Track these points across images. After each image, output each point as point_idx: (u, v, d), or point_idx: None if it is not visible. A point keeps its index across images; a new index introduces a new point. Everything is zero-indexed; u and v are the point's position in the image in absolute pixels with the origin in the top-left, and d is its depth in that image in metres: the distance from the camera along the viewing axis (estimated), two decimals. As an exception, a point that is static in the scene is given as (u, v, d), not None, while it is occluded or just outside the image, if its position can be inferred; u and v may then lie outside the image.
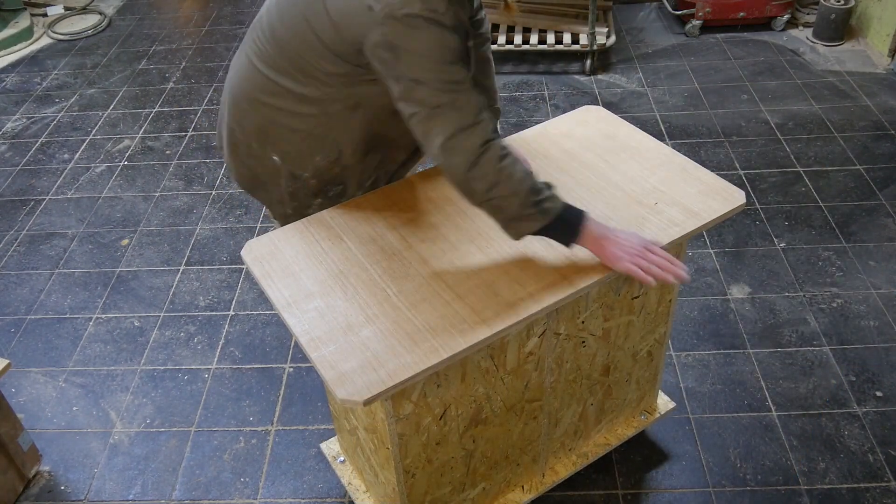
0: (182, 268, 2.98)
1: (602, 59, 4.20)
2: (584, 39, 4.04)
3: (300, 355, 2.58)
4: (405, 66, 1.37)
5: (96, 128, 3.89)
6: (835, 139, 3.47)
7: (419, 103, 1.38)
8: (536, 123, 3.71)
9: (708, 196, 1.69)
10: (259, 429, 2.36)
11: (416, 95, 1.38)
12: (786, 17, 4.35)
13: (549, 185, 1.46)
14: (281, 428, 2.36)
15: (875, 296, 2.67)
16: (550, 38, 4.13)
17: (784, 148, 3.43)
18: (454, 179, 1.44)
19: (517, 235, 1.47)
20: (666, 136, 3.53)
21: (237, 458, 2.28)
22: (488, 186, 1.40)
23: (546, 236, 1.48)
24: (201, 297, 2.84)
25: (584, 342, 1.74)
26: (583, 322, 1.68)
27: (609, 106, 3.80)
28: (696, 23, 4.36)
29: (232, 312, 2.77)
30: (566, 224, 1.46)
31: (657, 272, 1.44)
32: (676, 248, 1.67)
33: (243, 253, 1.62)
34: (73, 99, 4.16)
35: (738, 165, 3.31)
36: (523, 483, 1.97)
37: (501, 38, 4.15)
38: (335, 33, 1.45)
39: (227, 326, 2.71)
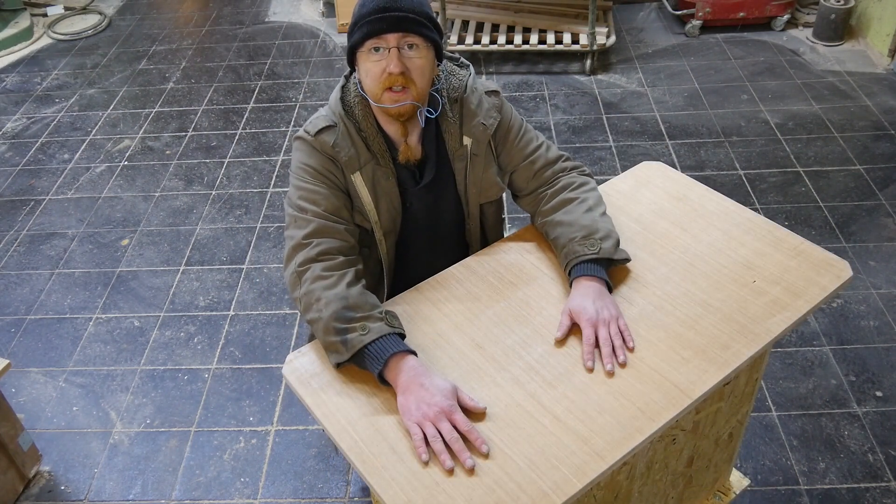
0: (182, 268, 2.98)
1: (602, 59, 4.20)
2: (584, 39, 4.04)
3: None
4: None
5: (96, 128, 3.89)
6: (835, 139, 3.47)
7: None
8: (537, 123, 3.74)
9: (809, 269, 1.49)
10: (259, 429, 2.36)
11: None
12: (786, 17, 4.35)
13: (371, 316, 1.34)
14: (281, 428, 2.36)
15: (875, 296, 2.67)
16: (550, 38, 4.13)
17: (784, 148, 3.43)
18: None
19: (334, 365, 1.36)
20: (666, 136, 3.53)
21: (237, 458, 2.28)
22: (303, 308, 1.39)
23: (363, 369, 1.35)
24: (201, 297, 2.84)
25: (674, 439, 1.57)
26: (676, 420, 1.45)
27: (609, 106, 3.81)
28: (696, 23, 4.36)
29: (232, 312, 2.77)
30: (374, 361, 1.31)
31: (438, 448, 1.20)
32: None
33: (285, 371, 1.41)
34: (73, 99, 4.16)
35: (738, 165, 3.31)
36: None
37: (501, 38, 4.15)
38: None
39: (227, 326, 2.71)
